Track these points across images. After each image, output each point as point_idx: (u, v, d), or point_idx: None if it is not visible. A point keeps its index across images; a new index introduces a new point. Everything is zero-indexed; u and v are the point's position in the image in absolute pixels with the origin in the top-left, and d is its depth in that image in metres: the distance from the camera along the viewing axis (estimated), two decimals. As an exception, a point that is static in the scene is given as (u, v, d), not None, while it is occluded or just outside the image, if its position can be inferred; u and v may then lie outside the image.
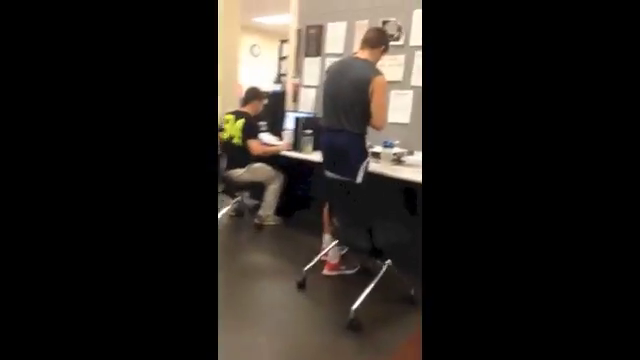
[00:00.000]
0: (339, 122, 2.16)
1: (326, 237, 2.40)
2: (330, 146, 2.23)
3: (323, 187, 2.34)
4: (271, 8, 4.29)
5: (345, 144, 2.15)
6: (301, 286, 2.09)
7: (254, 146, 2.79)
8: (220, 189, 2.81)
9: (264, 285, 2.14)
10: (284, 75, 3.69)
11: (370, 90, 2.03)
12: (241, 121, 2.79)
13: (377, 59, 2.16)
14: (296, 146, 2.86)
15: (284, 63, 3.71)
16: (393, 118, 2.76)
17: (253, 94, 2.93)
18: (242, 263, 2.42)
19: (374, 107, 2.06)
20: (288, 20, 3.47)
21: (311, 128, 2.83)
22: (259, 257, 2.58)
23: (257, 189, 3.00)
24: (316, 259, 2.17)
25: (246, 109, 2.91)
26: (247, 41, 7.15)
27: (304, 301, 2.01)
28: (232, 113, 2.92)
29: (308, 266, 2.12)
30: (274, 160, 2.93)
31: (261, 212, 3.00)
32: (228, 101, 4.03)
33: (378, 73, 2.06)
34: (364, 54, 2.14)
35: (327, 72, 2.30)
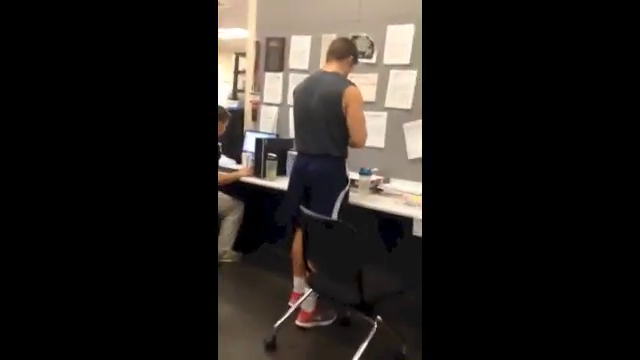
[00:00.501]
0: (315, 145, 1.88)
1: (297, 281, 2.06)
2: (304, 173, 1.93)
3: (290, 218, 2.03)
4: (227, 20, 3.95)
5: (322, 170, 1.86)
6: (270, 347, 1.72)
7: None
8: None
9: (224, 346, 1.73)
10: (241, 91, 3.35)
11: (344, 104, 1.79)
12: None
13: (347, 71, 1.93)
14: (258, 171, 2.51)
15: (241, 78, 3.37)
16: (367, 142, 2.54)
17: (217, 113, 2.55)
18: (195, 316, 2.00)
19: (351, 122, 1.82)
20: (245, 34, 3.15)
21: (274, 151, 2.51)
22: (220, 310, 2.16)
23: (212, 221, 2.59)
24: (288, 313, 1.81)
25: None
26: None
27: (275, 367, 1.65)
28: None
29: (279, 322, 1.76)
30: (232, 188, 2.56)
31: (217, 247, 2.59)
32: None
33: (349, 84, 1.82)
34: (332, 67, 1.90)
35: (294, 92, 2.03)
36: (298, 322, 1.89)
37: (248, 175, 2.53)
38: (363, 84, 2.44)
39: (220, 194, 2.54)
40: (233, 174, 2.52)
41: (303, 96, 1.94)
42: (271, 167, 2.46)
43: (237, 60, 3.35)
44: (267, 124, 3.00)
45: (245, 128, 3.13)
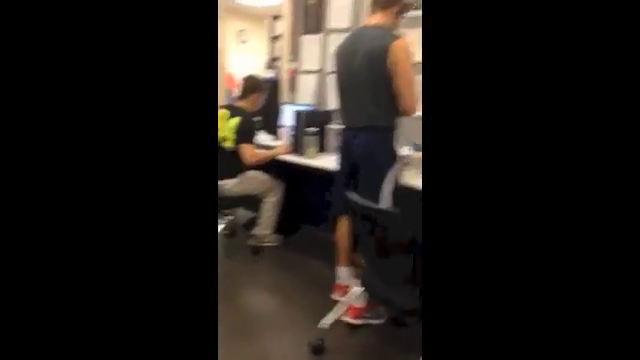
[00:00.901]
0: (359, 115, 1.60)
1: (343, 271, 1.84)
2: (349, 151, 1.66)
3: (339, 208, 1.78)
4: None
5: (367, 145, 1.59)
6: (318, 351, 1.53)
7: (247, 153, 2.19)
8: None
9: (262, 342, 1.58)
10: (277, 59, 3.07)
11: (390, 61, 1.48)
12: (236, 120, 2.19)
13: (393, 23, 1.60)
14: (297, 148, 2.27)
15: (277, 44, 3.09)
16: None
17: (252, 85, 2.31)
18: (235, 306, 1.86)
19: (399, 83, 1.50)
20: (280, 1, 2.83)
21: (315, 125, 2.24)
22: (257, 298, 2.01)
23: (252, 202, 2.41)
24: (336, 312, 1.60)
25: (243, 104, 2.29)
26: (233, 27, 6.45)
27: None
28: (227, 107, 2.31)
29: (325, 321, 1.55)
30: (271, 167, 2.35)
31: (257, 231, 2.43)
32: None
33: (396, 37, 1.49)
34: (375, 19, 1.58)
35: (335, 54, 1.71)
36: (347, 318, 1.68)
37: (286, 152, 2.30)
38: (412, 42, 2.07)
39: (258, 174, 2.34)
40: (270, 152, 2.30)
41: (344, 57, 1.64)
42: (310, 143, 2.21)
43: (272, 24, 3.06)
44: (306, 94, 2.72)
45: (282, 100, 2.88)
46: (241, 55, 6.46)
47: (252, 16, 6.61)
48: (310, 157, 2.21)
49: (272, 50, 3.11)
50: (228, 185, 2.22)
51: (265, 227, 2.42)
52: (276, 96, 2.86)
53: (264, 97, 2.38)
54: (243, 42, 6.84)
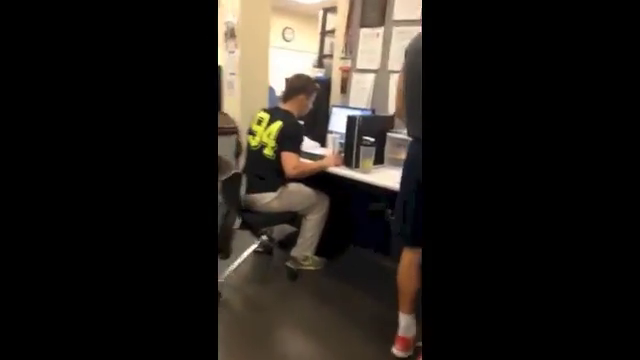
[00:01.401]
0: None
1: (406, 319, 1.45)
2: (418, 166, 1.30)
3: (397, 224, 1.43)
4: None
5: None
6: None
7: (290, 163, 1.86)
8: (238, 222, 1.91)
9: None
10: (328, 56, 2.75)
11: None
12: (278, 125, 1.87)
13: None
14: (349, 160, 1.92)
15: (328, 40, 2.76)
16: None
17: (300, 85, 1.98)
18: (262, 353, 1.52)
19: None
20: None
21: (372, 133, 1.87)
22: (291, 343, 1.66)
23: (292, 218, 2.08)
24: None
25: (287, 106, 1.97)
26: (278, 24, 6.23)
27: None
28: (268, 111, 2.00)
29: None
30: (315, 179, 2.01)
31: (296, 252, 2.09)
32: (258, 96, 3.16)
33: None
34: None
35: (406, 53, 1.37)
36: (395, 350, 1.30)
37: (336, 164, 1.95)
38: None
39: (301, 187, 2.01)
40: (318, 163, 1.95)
41: (416, 57, 1.27)
42: (366, 155, 1.85)
43: (324, 17, 2.73)
44: (360, 97, 2.37)
45: (332, 102, 2.54)
46: (286, 54, 6.24)
47: (297, 13, 6.39)
48: (365, 171, 1.85)
49: (322, 46, 2.78)
50: (266, 199, 1.90)
51: (306, 248, 2.08)
52: (326, 98, 2.52)
53: (312, 99, 2.04)
54: (287, 40, 6.63)
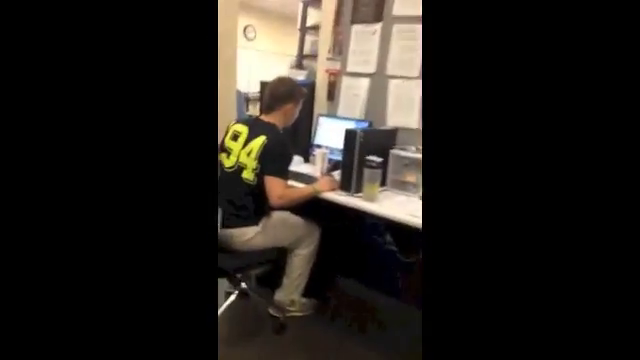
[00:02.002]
0: None
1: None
2: None
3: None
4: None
5: None
6: None
7: (275, 192, 1.46)
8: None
9: None
10: (308, 57, 2.39)
11: None
12: (260, 141, 1.48)
13: None
14: (347, 184, 1.57)
15: (309, 38, 2.41)
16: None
17: (286, 92, 1.59)
18: None
19: None
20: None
21: (372, 150, 1.54)
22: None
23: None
24: None
25: (271, 118, 1.58)
26: (239, 22, 5.78)
27: None
28: (245, 123, 1.60)
29: None
30: (304, 205, 1.63)
31: (281, 296, 1.71)
32: (226, 102, 2.73)
33: None
34: None
35: None
36: None
37: (331, 189, 1.59)
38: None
39: (287, 217, 1.64)
40: (309, 189, 1.57)
41: None
42: (372, 179, 1.50)
43: (305, 12, 2.37)
44: (351, 105, 2.02)
45: (316, 110, 2.18)
46: (249, 54, 5.78)
47: (259, 11, 5.98)
48: (370, 198, 1.51)
49: (302, 45, 2.42)
50: (247, 235, 1.50)
51: (292, 290, 1.70)
52: (309, 105, 2.16)
53: (299, 108, 1.68)
54: (249, 39, 6.18)
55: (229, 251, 1.48)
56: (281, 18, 6.35)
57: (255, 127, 1.55)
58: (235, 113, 2.83)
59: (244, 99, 4.02)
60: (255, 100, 5.65)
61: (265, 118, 1.59)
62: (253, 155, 1.48)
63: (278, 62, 6.48)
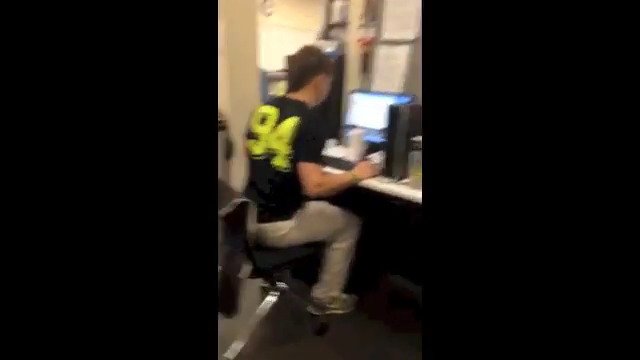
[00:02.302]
0: None
1: None
2: None
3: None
4: None
5: None
6: None
7: (311, 180, 1.29)
8: (248, 269, 1.34)
9: None
10: (337, 26, 2.16)
11: None
12: (292, 122, 1.31)
13: None
14: (389, 169, 1.38)
15: (337, 4, 2.17)
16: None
17: (315, 62, 1.39)
18: None
19: None
20: None
21: (416, 129, 1.34)
22: None
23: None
24: None
25: (300, 96, 1.40)
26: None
27: None
28: (274, 104, 1.43)
29: None
30: (342, 195, 1.46)
31: (320, 292, 1.57)
32: (249, 80, 2.56)
33: None
34: None
35: None
36: None
37: (372, 176, 1.41)
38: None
39: (324, 207, 1.48)
40: (348, 176, 1.40)
41: None
42: (415, 161, 1.31)
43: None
44: (388, 78, 1.81)
45: (348, 86, 1.98)
46: (268, 30, 5.54)
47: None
48: (415, 185, 1.32)
49: (330, 13, 2.18)
50: (282, 230, 1.36)
51: (332, 286, 1.56)
52: (339, 79, 1.95)
53: (330, 81, 1.48)
54: (268, 14, 5.90)
55: (264, 248, 1.34)
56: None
57: (284, 107, 1.37)
58: (259, 94, 2.66)
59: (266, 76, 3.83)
60: (275, 79, 5.47)
61: (294, 96, 1.40)
62: (285, 139, 1.31)
63: (298, 38, 6.25)
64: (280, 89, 5.06)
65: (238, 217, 1.15)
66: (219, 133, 2.60)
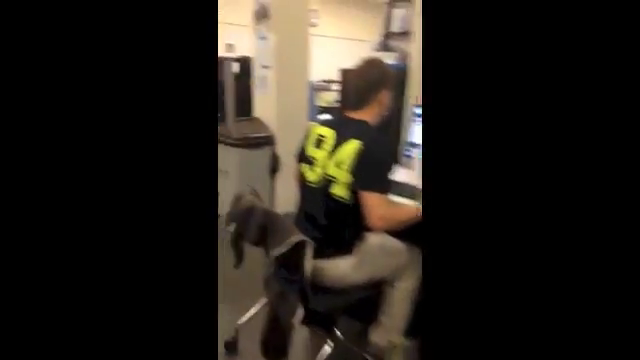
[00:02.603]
0: None
1: None
2: None
3: None
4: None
5: None
6: None
7: (376, 212, 1.12)
8: (302, 312, 1.18)
9: None
10: (397, 35, 1.98)
11: None
12: (353, 146, 1.15)
13: None
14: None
15: (397, 13, 1.99)
16: None
17: (378, 76, 1.23)
18: None
19: None
20: None
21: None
22: None
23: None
24: None
25: (362, 115, 1.24)
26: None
27: None
28: (331, 125, 1.28)
29: None
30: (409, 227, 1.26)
31: (379, 336, 1.38)
32: (298, 94, 2.46)
33: None
34: None
35: None
36: None
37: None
38: None
39: (385, 240, 1.29)
40: (418, 209, 1.21)
41: None
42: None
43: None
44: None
45: (411, 102, 1.79)
46: (313, 42, 5.48)
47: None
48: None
49: (389, 21, 2.02)
50: (341, 268, 1.19)
51: (393, 330, 1.37)
52: (401, 95, 1.77)
53: (393, 97, 1.31)
54: (314, 25, 5.86)
55: (320, 288, 1.18)
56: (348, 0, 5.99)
57: (343, 128, 1.22)
58: (307, 107, 2.54)
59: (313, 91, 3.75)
60: (321, 89, 5.38)
61: (354, 115, 1.25)
62: (345, 166, 1.15)
63: (345, 48, 6.23)
64: (324, 100, 4.97)
65: (294, 258, 1.00)
66: (265, 148, 2.51)
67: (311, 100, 3.21)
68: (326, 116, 3.72)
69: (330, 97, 5.09)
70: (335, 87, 5.54)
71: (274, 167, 2.56)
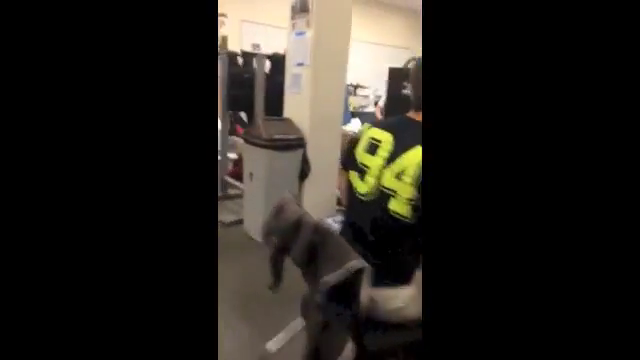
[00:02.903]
0: None
1: None
2: None
3: None
4: None
5: None
6: None
7: None
8: (352, 350, 1.00)
9: None
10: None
11: None
12: (418, 154, 0.99)
13: None
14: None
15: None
16: None
17: None
18: None
19: None
20: None
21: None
22: None
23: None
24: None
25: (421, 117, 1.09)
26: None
27: None
28: (388, 128, 1.11)
29: None
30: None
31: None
32: (334, 96, 2.31)
33: None
34: None
35: None
36: None
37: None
38: None
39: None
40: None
41: None
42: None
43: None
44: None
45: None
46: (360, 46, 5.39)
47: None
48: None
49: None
50: (401, 300, 1.01)
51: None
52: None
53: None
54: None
55: (372, 322, 1.00)
56: (380, 4, 5.88)
57: (404, 132, 1.05)
58: (342, 109, 2.39)
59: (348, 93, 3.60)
60: (351, 93, 5.24)
61: (418, 117, 1.08)
62: (408, 178, 0.98)
63: (376, 52, 6.12)
64: (351, 103, 4.82)
65: (349, 286, 0.83)
66: (296, 151, 2.36)
67: (346, 102, 3.06)
68: (356, 121, 3.56)
69: (356, 102, 4.95)
70: (360, 92, 5.40)
71: (304, 172, 2.41)
